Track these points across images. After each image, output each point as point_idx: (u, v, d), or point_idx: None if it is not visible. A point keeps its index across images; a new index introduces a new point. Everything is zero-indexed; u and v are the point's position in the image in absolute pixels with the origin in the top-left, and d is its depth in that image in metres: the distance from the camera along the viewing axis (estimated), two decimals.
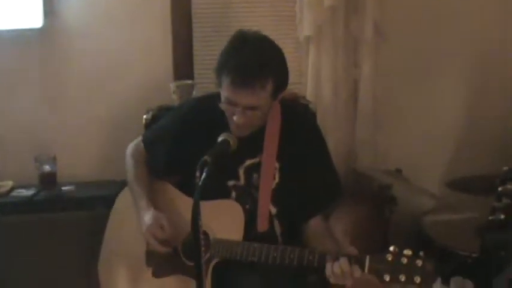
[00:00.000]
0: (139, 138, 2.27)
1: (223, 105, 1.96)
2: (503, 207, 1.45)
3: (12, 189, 2.98)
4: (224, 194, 2.06)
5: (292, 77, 3.19)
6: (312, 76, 3.18)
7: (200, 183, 1.66)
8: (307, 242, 2.06)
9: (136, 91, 3.13)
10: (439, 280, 2.13)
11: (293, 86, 3.16)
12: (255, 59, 1.89)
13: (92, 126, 3.18)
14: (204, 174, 1.67)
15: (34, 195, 2.90)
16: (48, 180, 2.94)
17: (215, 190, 1.99)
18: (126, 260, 2.12)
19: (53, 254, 2.80)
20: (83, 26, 3.11)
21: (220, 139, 1.88)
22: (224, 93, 1.93)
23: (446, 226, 2.79)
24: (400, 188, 2.97)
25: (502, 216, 1.45)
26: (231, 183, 2.07)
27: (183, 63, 3.22)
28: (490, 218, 1.45)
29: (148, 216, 2.01)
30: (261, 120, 2.00)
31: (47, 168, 2.93)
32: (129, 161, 2.24)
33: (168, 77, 3.16)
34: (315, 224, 2.08)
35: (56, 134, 3.14)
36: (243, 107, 1.91)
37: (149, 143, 2.23)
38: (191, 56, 3.23)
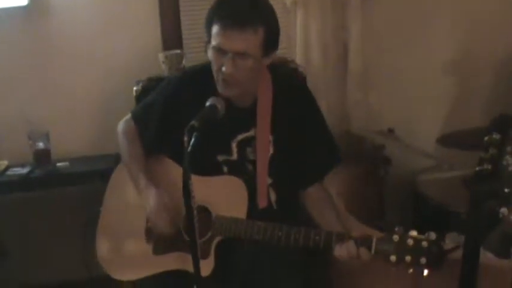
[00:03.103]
0: (129, 115, 2.20)
1: (212, 56, 1.91)
2: (490, 157, 1.44)
3: (7, 168, 2.98)
4: (215, 169, 2.02)
5: (280, 43, 3.23)
6: (300, 40, 3.16)
7: (189, 149, 1.61)
8: (307, 208, 2.06)
9: (126, 63, 3.10)
10: (433, 236, 2.14)
11: (282, 51, 3.15)
12: (247, 4, 1.87)
13: (82, 101, 3.16)
14: (192, 140, 1.62)
15: (29, 172, 2.90)
16: (43, 157, 2.93)
17: (205, 165, 1.96)
18: (125, 237, 2.09)
19: (50, 230, 2.83)
20: (68, 1, 3.08)
21: (207, 104, 1.82)
22: (214, 42, 1.87)
23: (440, 184, 2.81)
24: (394, 148, 2.98)
25: (489, 167, 1.44)
26: (221, 158, 2.03)
27: (171, 33, 3.19)
28: (477, 169, 1.45)
29: (151, 198, 1.97)
30: (249, 78, 1.92)
31: (40, 145, 2.92)
32: (121, 139, 2.18)
33: (156, 47, 3.14)
34: (314, 190, 2.07)
35: (47, 110, 3.12)
36: (233, 53, 1.84)
37: (139, 119, 2.16)
38: (179, 25, 3.21)
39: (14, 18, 3.03)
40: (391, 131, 3.22)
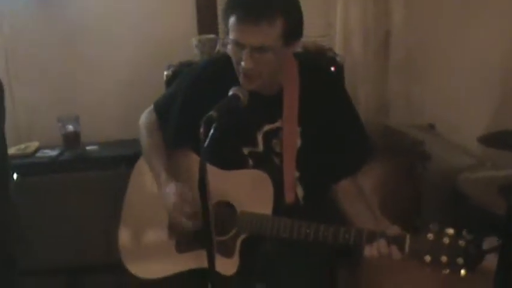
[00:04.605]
0: (151, 107, 2.16)
1: (230, 51, 1.84)
2: None
3: (37, 149, 3.01)
4: (240, 161, 1.95)
5: (320, 29, 3.17)
6: (340, 27, 3.06)
7: (207, 141, 1.53)
8: (338, 202, 1.99)
9: (159, 47, 3.06)
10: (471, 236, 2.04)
11: (321, 38, 3.09)
12: None
13: (113, 85, 3.14)
14: (211, 132, 1.55)
15: (58, 155, 2.92)
16: (72, 140, 2.93)
17: (230, 157, 1.91)
18: (148, 231, 2.05)
19: (77, 213, 2.81)
20: None
21: (229, 93, 1.75)
22: (231, 36, 1.81)
23: (482, 184, 2.68)
24: (434, 144, 2.87)
25: None
26: (247, 150, 1.96)
27: (207, 17, 3.13)
28: None
29: (171, 192, 1.91)
30: (271, 70, 1.85)
31: (70, 128, 2.92)
32: (142, 132, 2.13)
33: (191, 31, 3.08)
34: (345, 185, 1.99)
35: (78, 93, 3.13)
36: (250, 48, 1.77)
37: (161, 112, 2.11)
38: (215, 9, 3.13)
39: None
40: (432, 126, 3.10)
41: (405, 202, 2.78)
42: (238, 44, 1.79)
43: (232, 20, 1.78)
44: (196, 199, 1.83)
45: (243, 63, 1.80)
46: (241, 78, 1.85)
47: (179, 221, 1.91)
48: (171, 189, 1.92)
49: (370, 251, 1.70)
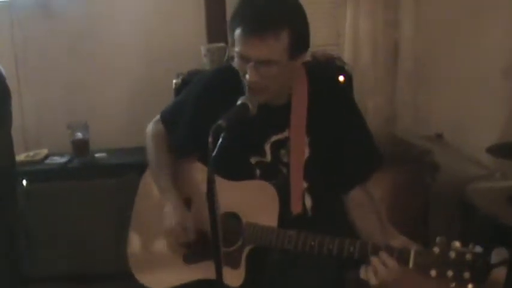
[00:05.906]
0: (158, 117, 2.12)
1: (236, 63, 1.81)
2: None
3: (46, 156, 3.02)
4: (247, 171, 1.93)
5: (329, 38, 3.17)
6: (349, 37, 3.06)
7: (215, 151, 1.52)
8: (349, 214, 1.95)
9: (168, 55, 3.07)
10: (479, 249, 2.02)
11: (330, 47, 3.08)
12: (268, 7, 1.74)
13: (123, 93, 3.16)
14: (219, 141, 1.53)
15: (67, 162, 2.94)
16: (81, 147, 2.94)
17: (237, 167, 1.89)
18: (156, 241, 2.02)
19: (85, 220, 2.82)
20: None
21: (238, 102, 1.73)
22: (236, 48, 1.77)
23: (491, 194, 2.67)
24: (442, 154, 2.85)
25: None
26: (254, 160, 1.93)
27: (217, 26, 3.13)
28: None
29: (174, 217, 1.89)
30: (278, 84, 1.81)
31: (79, 135, 2.94)
32: (149, 143, 2.10)
33: (200, 40, 3.08)
34: (356, 195, 1.95)
35: (87, 101, 3.14)
36: (255, 61, 1.74)
37: (168, 121, 2.07)
38: (224, 18, 3.14)
39: (55, 5, 3.05)
40: (439, 136, 3.08)
41: (413, 212, 2.76)
42: (243, 57, 1.76)
43: (237, 32, 1.75)
44: (196, 227, 1.86)
45: (247, 76, 1.77)
46: (247, 91, 1.82)
47: (170, 242, 1.93)
48: (174, 215, 1.90)
49: (374, 264, 1.66)
